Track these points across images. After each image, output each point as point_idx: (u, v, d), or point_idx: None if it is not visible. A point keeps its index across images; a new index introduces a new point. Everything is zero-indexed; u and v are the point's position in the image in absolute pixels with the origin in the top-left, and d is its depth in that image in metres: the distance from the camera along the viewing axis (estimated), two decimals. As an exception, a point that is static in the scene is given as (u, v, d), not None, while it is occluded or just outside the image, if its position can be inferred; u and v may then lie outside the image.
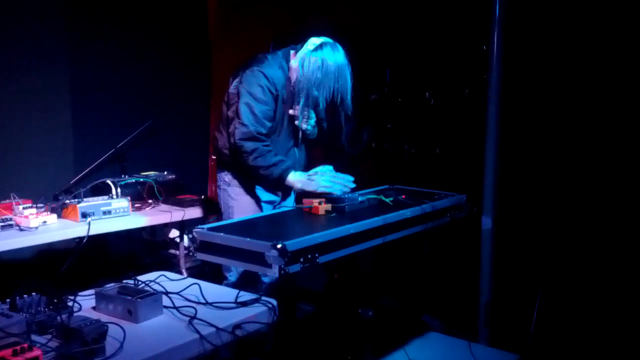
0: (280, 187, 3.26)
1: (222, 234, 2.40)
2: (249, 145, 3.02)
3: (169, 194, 3.92)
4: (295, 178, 3.03)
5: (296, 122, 3.20)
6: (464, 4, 3.72)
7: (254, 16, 4.99)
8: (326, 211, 2.80)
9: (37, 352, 1.63)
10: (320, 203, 2.80)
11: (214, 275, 3.66)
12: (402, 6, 4.08)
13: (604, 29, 3.20)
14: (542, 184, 3.46)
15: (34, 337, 1.82)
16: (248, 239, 2.29)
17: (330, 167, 3.04)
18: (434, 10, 3.91)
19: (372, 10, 4.22)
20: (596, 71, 3.23)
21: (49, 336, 1.86)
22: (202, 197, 3.97)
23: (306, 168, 3.35)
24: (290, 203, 3.39)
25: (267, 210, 3.29)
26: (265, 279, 3.27)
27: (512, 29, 3.32)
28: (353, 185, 2.96)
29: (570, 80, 3.33)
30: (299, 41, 3.21)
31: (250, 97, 3.03)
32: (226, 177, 3.27)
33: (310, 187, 2.97)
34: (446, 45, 3.87)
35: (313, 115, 3.21)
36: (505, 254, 3.48)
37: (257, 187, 3.28)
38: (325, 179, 2.95)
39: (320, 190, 2.91)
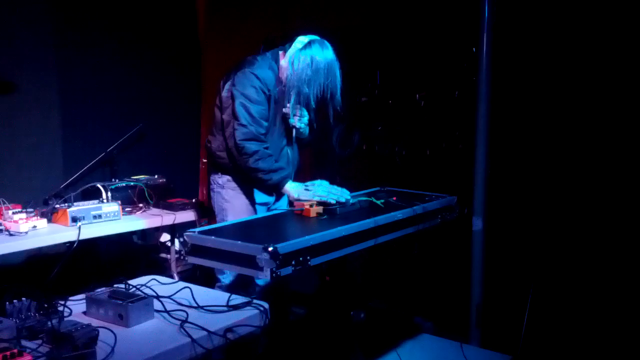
0: (274, 190, 3.26)
1: (213, 237, 2.39)
2: (250, 146, 3.02)
3: (159, 198, 3.91)
4: (292, 187, 3.04)
5: (290, 121, 3.21)
6: (454, 6, 3.73)
7: (243, 19, 4.99)
8: (317, 213, 2.80)
9: (27, 357, 1.62)
10: (311, 205, 2.80)
11: (206, 278, 3.65)
12: (391, 8, 4.09)
13: (593, 31, 3.22)
14: (532, 185, 3.48)
15: (24, 343, 1.80)
16: (239, 242, 2.29)
17: (327, 182, 3.05)
18: (424, 12, 3.92)
19: (361, 13, 4.23)
20: (585, 72, 3.26)
21: (40, 341, 1.84)
22: (193, 200, 3.95)
23: (297, 168, 3.37)
24: (284, 205, 3.38)
25: (261, 212, 3.29)
26: (259, 282, 3.26)
27: (502, 31, 3.34)
28: (349, 197, 2.96)
29: (560, 81, 3.35)
30: (287, 43, 3.22)
31: (245, 98, 3.04)
32: (220, 179, 3.26)
33: (306, 197, 2.98)
34: (436, 47, 3.89)
35: (306, 113, 3.22)
36: (496, 255, 3.49)
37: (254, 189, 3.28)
38: (322, 189, 2.96)
39: (316, 199, 2.91)
